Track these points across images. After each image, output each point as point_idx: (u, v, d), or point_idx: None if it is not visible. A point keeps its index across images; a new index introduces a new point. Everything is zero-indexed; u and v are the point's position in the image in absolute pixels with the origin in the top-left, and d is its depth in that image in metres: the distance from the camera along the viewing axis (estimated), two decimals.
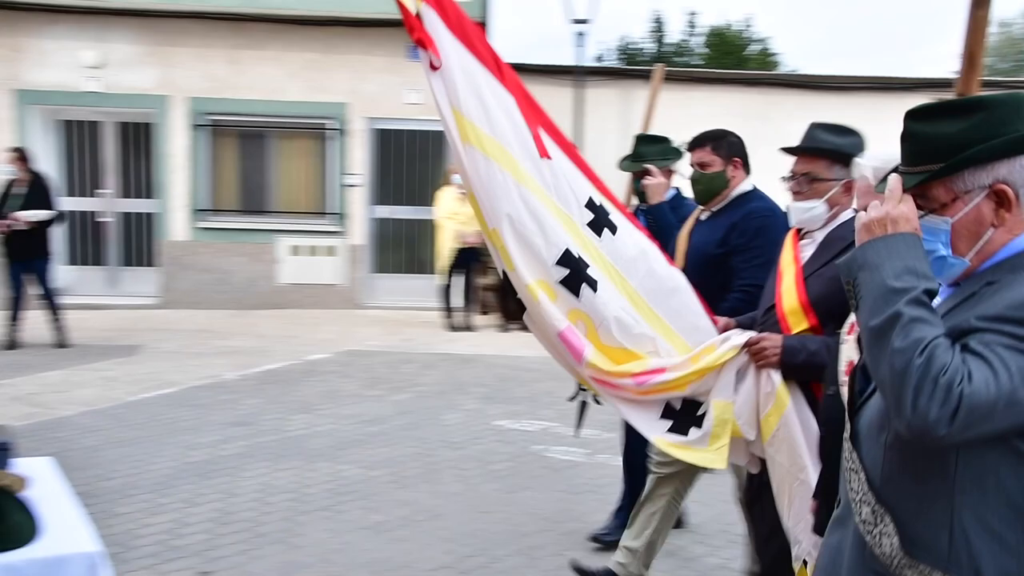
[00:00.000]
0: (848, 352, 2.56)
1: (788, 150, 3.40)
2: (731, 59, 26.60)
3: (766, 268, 3.49)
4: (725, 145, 4.06)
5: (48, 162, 11.75)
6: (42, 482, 2.67)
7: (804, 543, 3.03)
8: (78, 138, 12.76)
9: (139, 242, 12.96)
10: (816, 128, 3.38)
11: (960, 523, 1.70)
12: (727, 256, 3.93)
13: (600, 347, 3.36)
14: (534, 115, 3.49)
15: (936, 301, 1.75)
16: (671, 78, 14.28)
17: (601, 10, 12.73)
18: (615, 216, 3.52)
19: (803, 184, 3.24)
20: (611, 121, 12.67)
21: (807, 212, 3.22)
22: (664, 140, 5.00)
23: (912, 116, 1.83)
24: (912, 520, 1.75)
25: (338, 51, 12.21)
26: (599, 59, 26.87)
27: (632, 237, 3.53)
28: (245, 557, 4.59)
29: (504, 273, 3.43)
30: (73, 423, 6.94)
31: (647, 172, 4.70)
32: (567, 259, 3.33)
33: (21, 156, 9.78)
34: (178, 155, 12.49)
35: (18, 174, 9.65)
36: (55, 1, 11.72)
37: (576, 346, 3.32)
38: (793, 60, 34.17)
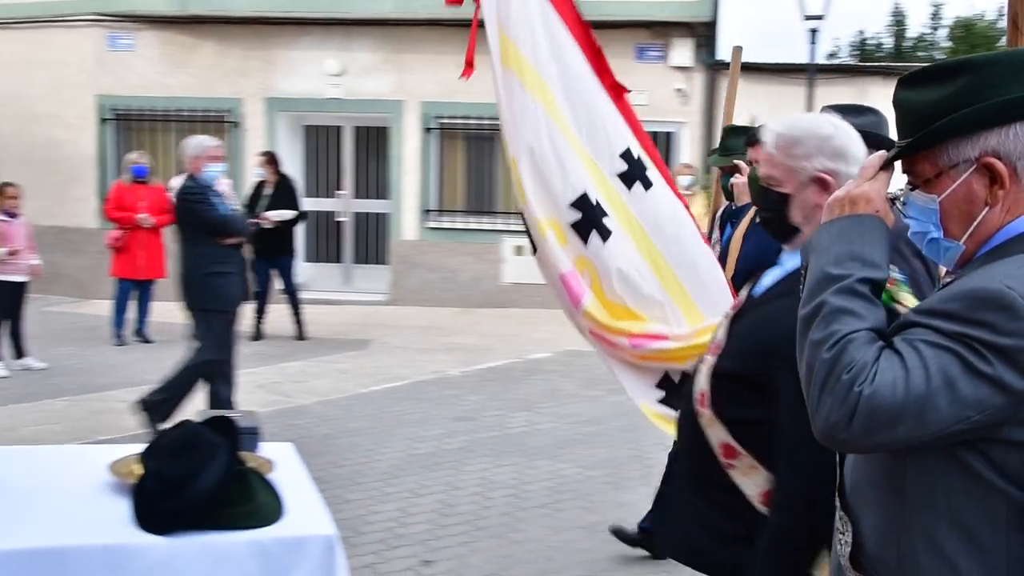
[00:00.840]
0: (720, 331, 2.38)
1: None
2: (980, 53, 24.87)
3: None
4: None
5: (293, 165, 12.52)
6: (284, 466, 2.82)
7: None
8: (319, 142, 13.52)
9: (371, 241, 13.59)
10: (827, 112, 3.15)
11: (909, 541, 1.51)
12: None
13: (602, 300, 3.24)
14: (597, 56, 3.41)
15: None
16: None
17: (836, 5, 12.20)
18: (652, 173, 3.38)
19: None
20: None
21: None
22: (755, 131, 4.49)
23: (901, 82, 1.62)
24: (868, 531, 1.58)
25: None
26: (831, 56, 25.85)
27: (668, 200, 3.39)
28: (466, 549, 4.71)
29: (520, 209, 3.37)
30: (309, 412, 7.36)
31: (736, 168, 4.29)
32: (583, 203, 3.24)
33: (270, 159, 10.46)
34: (410, 157, 13.00)
35: (267, 176, 10.32)
36: (304, 15, 12.45)
37: (576, 291, 3.21)
38: None
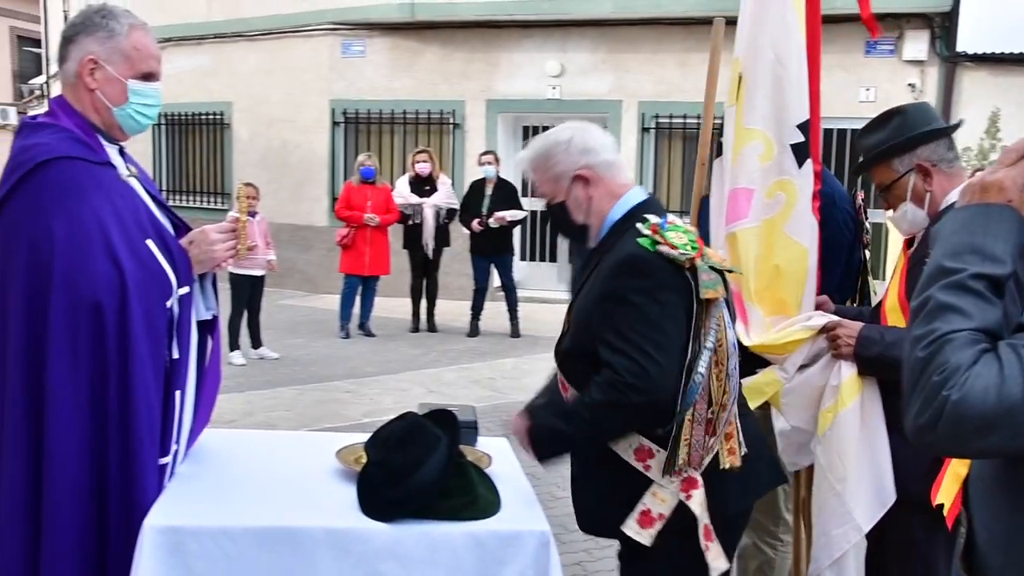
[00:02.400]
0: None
1: (855, 173, 3.10)
2: None
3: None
4: None
5: (511, 166, 12.73)
6: (499, 461, 2.86)
7: (820, 560, 2.76)
8: None
9: None
10: (858, 137, 2.93)
11: (1014, 548, 1.39)
12: None
13: (773, 230, 3.04)
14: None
15: None
16: None
17: None
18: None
19: (884, 197, 2.84)
20: None
21: (903, 221, 2.80)
22: None
23: None
24: (980, 530, 1.47)
25: None
26: None
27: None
28: None
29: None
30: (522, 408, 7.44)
31: None
32: (807, 128, 3.07)
33: (496, 159, 10.68)
34: (627, 157, 12.93)
35: (492, 175, 10.53)
36: (525, 17, 12.65)
37: (739, 210, 3.05)
38: None
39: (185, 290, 2.52)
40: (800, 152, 3.08)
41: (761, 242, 3.08)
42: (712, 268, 2.43)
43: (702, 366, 2.37)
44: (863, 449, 2.70)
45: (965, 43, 11.46)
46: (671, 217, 2.53)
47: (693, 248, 2.41)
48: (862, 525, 2.70)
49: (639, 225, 2.45)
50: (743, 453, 2.49)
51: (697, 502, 2.40)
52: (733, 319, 2.62)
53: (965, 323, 1.36)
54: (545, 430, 2.59)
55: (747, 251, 3.09)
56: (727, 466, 2.44)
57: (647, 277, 2.40)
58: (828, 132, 12.09)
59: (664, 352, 2.36)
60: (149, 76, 2.57)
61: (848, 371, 2.75)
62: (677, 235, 2.43)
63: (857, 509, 2.70)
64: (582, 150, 2.60)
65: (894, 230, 3.17)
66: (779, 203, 3.08)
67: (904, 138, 2.77)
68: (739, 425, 2.50)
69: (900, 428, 2.68)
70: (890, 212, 2.86)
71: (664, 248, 2.39)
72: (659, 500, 2.42)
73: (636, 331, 2.37)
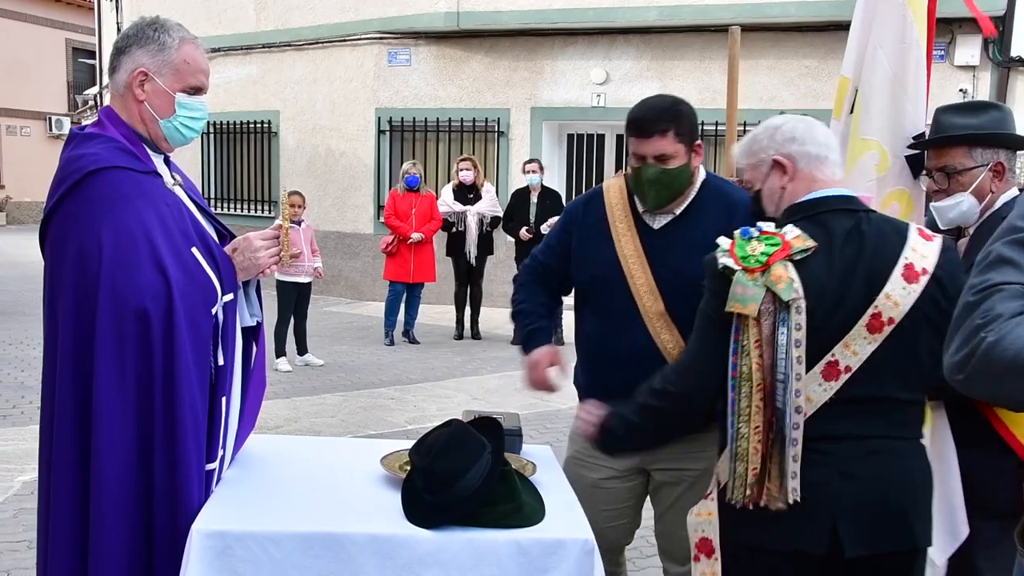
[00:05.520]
0: None
1: (916, 145, 3.02)
2: None
3: None
4: None
5: (555, 173, 12.72)
6: (542, 468, 2.85)
7: None
8: (581, 150, 13.67)
9: None
10: (943, 113, 2.84)
11: None
12: None
13: None
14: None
15: None
16: None
17: None
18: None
19: (941, 180, 2.77)
20: None
21: (953, 210, 2.74)
22: None
23: None
24: None
25: (840, 57, 11.77)
26: None
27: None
28: None
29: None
30: (565, 415, 7.40)
31: None
32: (922, 139, 3.06)
33: (540, 167, 10.68)
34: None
35: (536, 183, 10.52)
36: (570, 25, 12.64)
37: None
38: None
39: (230, 297, 2.54)
40: (916, 164, 3.12)
41: None
42: (765, 286, 2.24)
43: (731, 382, 2.30)
44: (937, 483, 2.60)
45: (1020, 48, 11.27)
46: (768, 226, 2.36)
47: (757, 262, 2.27)
48: (935, 559, 2.66)
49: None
50: (790, 500, 2.28)
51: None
52: None
53: (1019, 277, 1.38)
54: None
55: None
56: (762, 503, 2.30)
57: (707, 280, 2.40)
58: None
59: (694, 354, 2.47)
60: (197, 90, 2.60)
61: None
62: (755, 245, 2.30)
63: (933, 543, 2.63)
64: (788, 138, 2.46)
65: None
66: (895, 213, 3.10)
67: (1006, 133, 2.75)
68: (786, 467, 2.27)
69: (973, 443, 2.63)
70: (938, 202, 2.80)
71: (721, 255, 2.33)
72: None
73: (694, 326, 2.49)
